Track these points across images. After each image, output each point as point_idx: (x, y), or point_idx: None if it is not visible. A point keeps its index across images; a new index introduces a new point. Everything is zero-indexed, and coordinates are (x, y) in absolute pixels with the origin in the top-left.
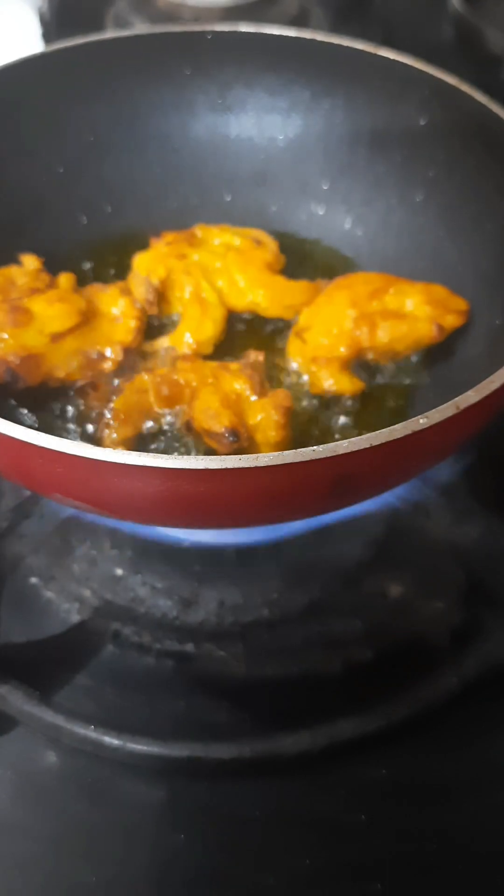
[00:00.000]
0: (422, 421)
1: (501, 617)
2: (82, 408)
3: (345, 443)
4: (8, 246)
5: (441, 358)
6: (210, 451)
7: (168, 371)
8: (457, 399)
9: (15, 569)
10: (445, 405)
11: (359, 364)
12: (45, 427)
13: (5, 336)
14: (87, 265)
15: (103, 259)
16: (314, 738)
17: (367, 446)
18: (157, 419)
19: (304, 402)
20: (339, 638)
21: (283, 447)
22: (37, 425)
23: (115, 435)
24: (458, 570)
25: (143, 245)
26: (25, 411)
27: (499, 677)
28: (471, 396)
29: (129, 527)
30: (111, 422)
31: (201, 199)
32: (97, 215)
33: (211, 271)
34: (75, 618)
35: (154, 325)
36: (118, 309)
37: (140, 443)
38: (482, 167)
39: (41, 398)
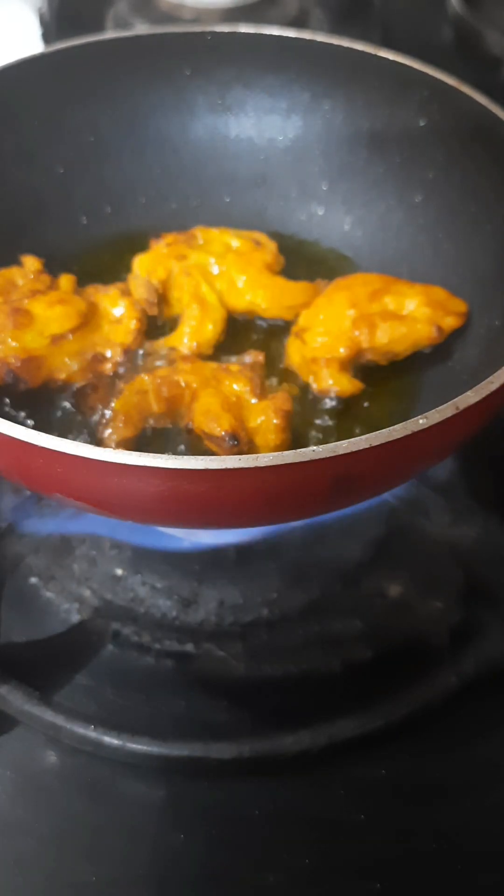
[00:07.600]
0: (421, 421)
1: (500, 616)
2: (83, 409)
3: (344, 443)
4: (8, 247)
5: (440, 359)
6: (209, 452)
7: (168, 372)
8: (456, 399)
9: (15, 569)
10: (445, 405)
11: (358, 365)
12: (45, 428)
13: (7, 338)
14: (88, 266)
15: (103, 260)
16: (314, 738)
17: (367, 446)
18: (157, 420)
19: (304, 403)
20: (339, 637)
21: (282, 450)
22: (37, 426)
23: (115, 436)
24: (457, 569)
25: (143, 246)
26: (26, 413)
27: (498, 677)
28: (470, 397)
29: (128, 528)
30: (111, 423)
31: (201, 200)
32: (97, 216)
33: (211, 272)
34: (75, 618)
35: (154, 326)
36: (118, 310)
37: (140, 443)
38: (481, 168)
39: (42, 400)
